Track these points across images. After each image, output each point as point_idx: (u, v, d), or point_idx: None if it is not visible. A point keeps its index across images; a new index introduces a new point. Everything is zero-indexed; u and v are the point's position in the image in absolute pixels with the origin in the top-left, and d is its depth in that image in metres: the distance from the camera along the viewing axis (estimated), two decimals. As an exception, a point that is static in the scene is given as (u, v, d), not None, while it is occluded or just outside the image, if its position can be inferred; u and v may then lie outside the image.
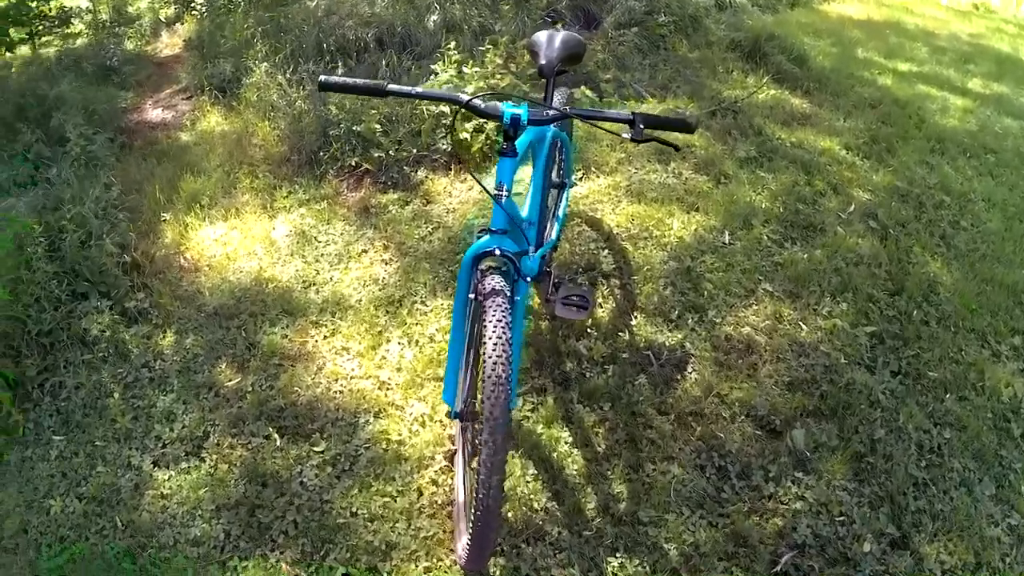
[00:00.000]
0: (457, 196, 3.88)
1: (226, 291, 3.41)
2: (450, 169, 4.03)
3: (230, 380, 3.02)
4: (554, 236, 3.07)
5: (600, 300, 3.14)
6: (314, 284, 3.42)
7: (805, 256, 3.36)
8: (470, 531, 2.06)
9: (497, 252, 2.12)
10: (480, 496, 1.93)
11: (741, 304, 3.11)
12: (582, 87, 4.46)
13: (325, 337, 3.14)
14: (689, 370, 2.86)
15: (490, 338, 1.94)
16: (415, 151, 4.06)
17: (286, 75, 4.93)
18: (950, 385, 2.92)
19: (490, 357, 1.92)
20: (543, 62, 2.80)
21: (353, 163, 4.08)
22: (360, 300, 3.29)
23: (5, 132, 4.66)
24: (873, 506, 2.49)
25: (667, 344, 2.95)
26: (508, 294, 2.05)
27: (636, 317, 3.06)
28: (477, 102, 2.11)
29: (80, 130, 4.42)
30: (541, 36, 2.87)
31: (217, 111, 5.19)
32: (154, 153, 4.79)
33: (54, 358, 3.21)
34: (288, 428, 2.80)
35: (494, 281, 2.06)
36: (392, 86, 2.11)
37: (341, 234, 3.70)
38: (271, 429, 2.80)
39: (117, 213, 3.82)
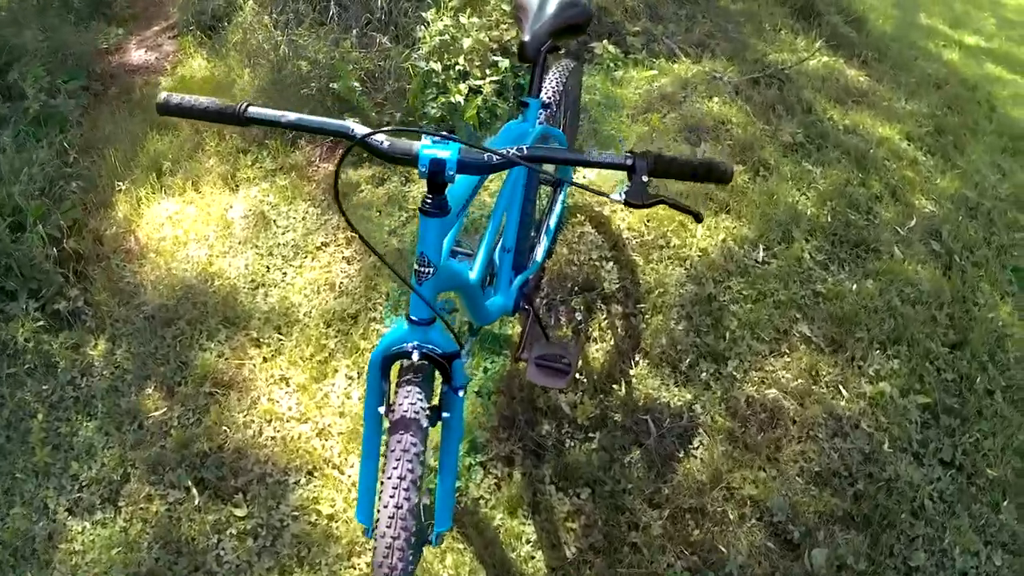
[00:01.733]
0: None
1: (168, 287, 2.95)
2: (441, 138, 3.43)
3: (156, 409, 2.59)
4: (539, 257, 2.50)
5: (596, 334, 2.58)
6: (263, 285, 2.92)
7: (854, 287, 2.71)
8: None
9: (415, 356, 1.51)
10: None
11: (770, 352, 2.51)
12: (604, 42, 3.79)
13: (265, 359, 2.67)
14: (695, 445, 2.29)
15: (386, 505, 1.39)
16: (398, 115, 3.46)
17: (273, 14, 4.32)
18: (1009, 488, 2.32)
19: (382, 536, 1.37)
20: (527, 37, 2.12)
21: (326, 128, 3.50)
22: (310, 312, 2.79)
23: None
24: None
25: (672, 406, 2.38)
26: (424, 424, 1.46)
27: (638, 363, 2.49)
28: (379, 139, 1.37)
29: (41, 83, 3.88)
30: None
31: (201, 54, 4.60)
32: (128, 104, 4.26)
33: (-21, 370, 2.81)
34: (209, 482, 2.37)
35: (407, 401, 1.47)
36: (254, 110, 1.40)
37: (303, 219, 3.17)
38: (190, 482, 2.38)
39: (67, 185, 3.34)
